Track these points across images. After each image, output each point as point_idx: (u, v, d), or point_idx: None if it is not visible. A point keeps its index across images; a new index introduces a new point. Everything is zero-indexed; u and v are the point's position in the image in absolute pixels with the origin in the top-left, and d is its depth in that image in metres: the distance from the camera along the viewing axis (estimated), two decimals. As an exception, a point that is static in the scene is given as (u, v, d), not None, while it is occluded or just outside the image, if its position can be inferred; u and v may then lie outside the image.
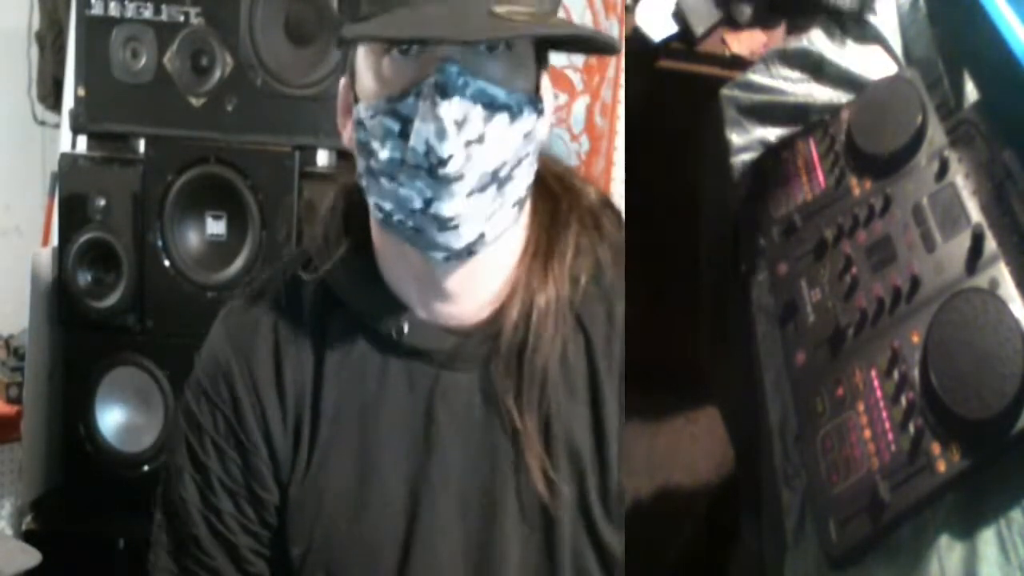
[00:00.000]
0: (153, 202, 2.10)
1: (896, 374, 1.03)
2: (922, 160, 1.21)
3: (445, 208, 0.89)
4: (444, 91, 0.86)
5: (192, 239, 2.13)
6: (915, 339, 1.03)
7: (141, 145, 2.15)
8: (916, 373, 1.00)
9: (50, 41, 2.73)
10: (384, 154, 0.90)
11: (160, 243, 2.11)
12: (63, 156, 2.21)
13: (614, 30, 2.23)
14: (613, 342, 1.00)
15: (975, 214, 1.10)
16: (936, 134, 1.22)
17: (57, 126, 2.42)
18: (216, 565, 1.02)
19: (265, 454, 1.00)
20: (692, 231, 1.63)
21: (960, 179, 1.15)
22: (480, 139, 0.88)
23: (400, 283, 0.98)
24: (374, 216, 0.96)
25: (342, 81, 0.97)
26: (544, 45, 0.95)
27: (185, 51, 2.10)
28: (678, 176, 1.69)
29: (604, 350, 1.00)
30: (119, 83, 2.13)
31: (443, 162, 0.87)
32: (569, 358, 0.99)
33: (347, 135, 0.97)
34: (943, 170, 1.17)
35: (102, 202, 2.15)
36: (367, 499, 0.99)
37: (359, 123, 0.93)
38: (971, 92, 1.29)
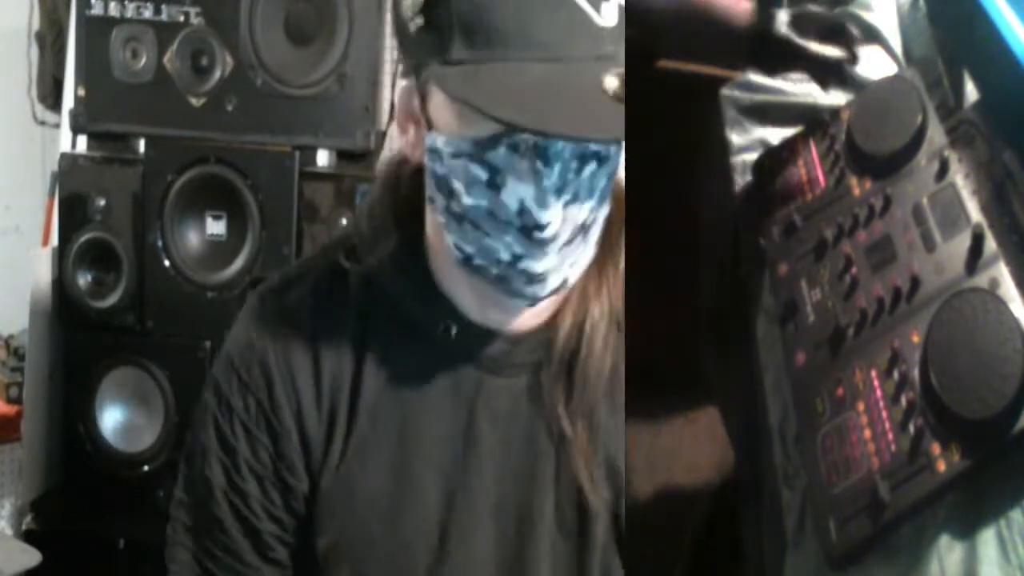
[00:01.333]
0: (153, 202, 2.11)
1: (896, 374, 1.03)
2: (922, 160, 1.21)
3: (536, 266, 0.87)
4: (545, 157, 0.82)
5: (192, 239, 2.13)
6: (915, 339, 1.03)
7: (141, 145, 2.15)
8: (916, 373, 1.00)
9: (50, 41, 2.74)
10: (469, 200, 0.86)
11: (160, 243, 2.11)
12: (63, 156, 2.21)
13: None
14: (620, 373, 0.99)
15: (975, 214, 1.10)
16: (936, 134, 1.22)
17: (57, 126, 2.42)
18: (237, 547, 1.00)
19: (296, 441, 0.98)
20: (692, 231, 1.63)
21: (960, 179, 1.15)
22: (575, 197, 0.85)
23: (455, 288, 0.96)
24: (452, 255, 0.91)
25: (403, 83, 0.92)
26: None
27: (185, 51, 2.10)
28: (678, 176, 1.69)
29: None
30: (119, 83, 2.14)
31: (540, 227, 0.84)
32: (616, 374, 0.98)
33: (408, 144, 0.92)
34: (943, 170, 1.17)
35: (102, 202, 2.16)
36: (401, 500, 0.97)
37: (434, 152, 0.87)
38: (971, 92, 1.29)
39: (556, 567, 0.98)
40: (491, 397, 0.97)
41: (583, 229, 0.88)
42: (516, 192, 0.84)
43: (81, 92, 2.17)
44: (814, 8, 1.34)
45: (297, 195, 2.05)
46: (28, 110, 2.87)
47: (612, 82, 0.79)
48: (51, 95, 2.77)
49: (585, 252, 0.90)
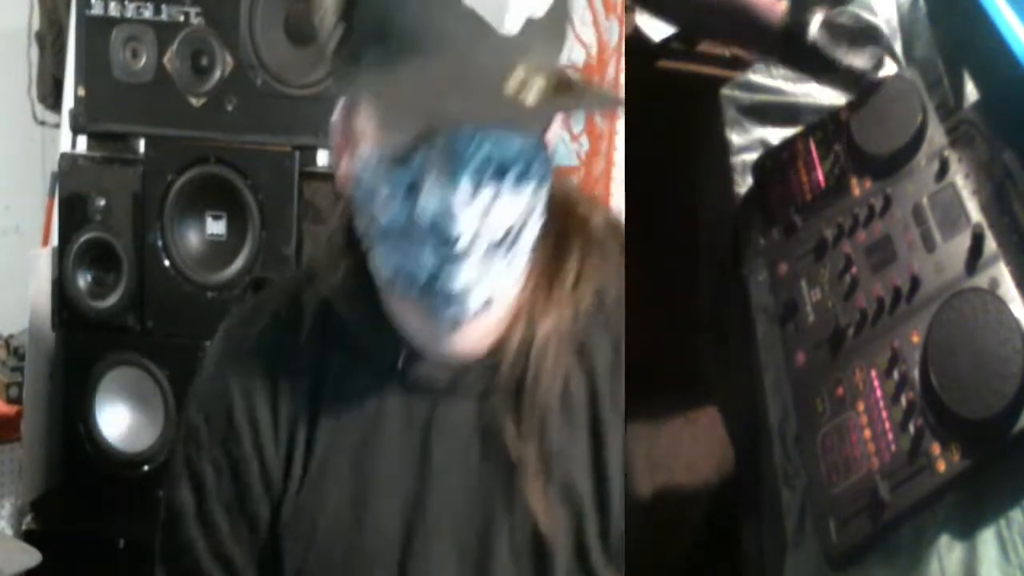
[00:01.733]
0: (153, 202, 2.10)
1: (896, 374, 1.03)
2: (922, 160, 1.21)
3: (453, 283, 0.87)
4: (456, 159, 0.84)
5: (192, 239, 2.13)
6: (915, 339, 1.03)
7: (141, 145, 2.15)
8: (916, 373, 1.00)
9: (50, 41, 2.74)
10: (388, 215, 0.88)
11: (160, 243, 2.11)
12: (63, 156, 2.21)
13: (614, 30, 2.24)
14: (617, 371, 0.98)
15: (975, 214, 1.10)
16: (936, 134, 1.22)
17: (57, 126, 2.42)
18: (210, 571, 1.02)
19: (257, 470, 1.00)
20: (692, 231, 1.63)
21: (960, 179, 1.15)
22: (489, 210, 0.86)
23: (401, 314, 0.96)
24: (379, 279, 0.93)
25: (337, 117, 0.94)
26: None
27: (185, 51, 2.10)
28: (678, 176, 1.69)
29: (607, 381, 0.98)
30: (119, 83, 2.14)
31: (452, 240, 0.85)
32: (571, 391, 0.97)
33: (341, 175, 0.94)
34: (943, 170, 1.17)
35: (102, 202, 2.16)
36: (361, 528, 0.98)
37: (357, 180, 0.90)
38: (971, 92, 1.29)
39: None
40: (444, 423, 0.97)
41: (504, 245, 0.88)
42: (429, 200, 0.85)
43: (81, 92, 2.17)
44: (848, 13, 1.34)
45: (297, 195, 2.05)
46: (28, 110, 2.87)
47: (513, 83, 0.81)
48: (51, 95, 2.77)
49: (509, 270, 0.90)
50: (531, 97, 0.81)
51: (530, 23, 0.84)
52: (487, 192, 0.86)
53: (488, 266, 0.88)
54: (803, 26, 1.26)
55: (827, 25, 1.27)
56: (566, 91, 0.86)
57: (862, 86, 1.31)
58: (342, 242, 0.99)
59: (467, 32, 0.83)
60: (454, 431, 0.97)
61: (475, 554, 0.97)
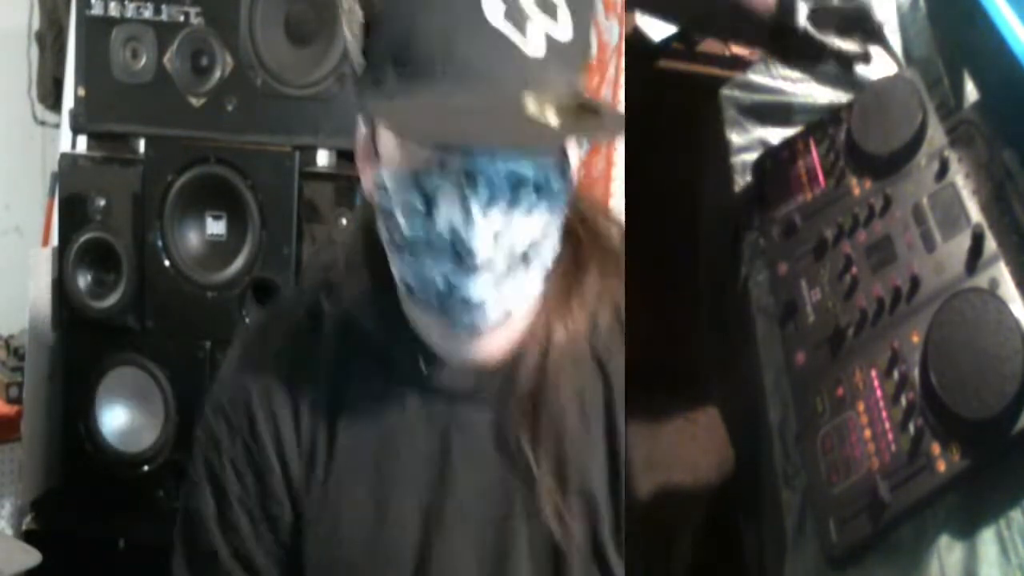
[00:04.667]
0: (153, 202, 2.10)
1: (896, 374, 1.03)
2: (922, 160, 1.21)
3: (472, 294, 0.87)
4: (473, 180, 0.84)
5: (192, 239, 2.13)
6: (915, 339, 1.03)
7: (141, 145, 2.15)
8: (916, 373, 1.00)
9: (50, 41, 2.74)
10: (408, 232, 0.88)
11: (160, 243, 2.11)
12: (63, 156, 2.21)
13: (614, 30, 2.23)
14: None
15: (975, 214, 1.10)
16: (936, 134, 1.22)
17: (57, 126, 2.42)
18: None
19: (280, 476, 1.01)
20: (692, 231, 1.63)
21: (960, 179, 1.15)
22: (508, 224, 0.86)
23: (421, 324, 0.98)
24: (400, 288, 0.94)
25: (360, 128, 0.95)
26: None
27: (185, 51, 2.10)
28: (678, 176, 1.69)
29: (621, 391, 0.99)
30: (119, 83, 2.13)
31: (471, 253, 0.85)
32: (586, 400, 0.99)
33: (367, 186, 0.95)
34: (943, 170, 1.17)
35: (102, 202, 2.15)
36: (380, 532, 0.99)
37: (382, 189, 0.90)
38: (971, 92, 1.29)
39: None
40: (463, 430, 0.98)
41: (523, 260, 0.89)
42: (447, 217, 0.85)
43: (81, 92, 2.17)
44: (833, 2, 1.34)
45: (297, 195, 2.05)
46: (28, 110, 2.87)
47: (532, 104, 0.81)
48: (51, 95, 2.77)
49: (528, 284, 0.91)
50: (553, 119, 0.81)
51: (553, 46, 0.84)
52: (505, 209, 0.86)
53: (507, 280, 0.88)
54: (792, 13, 1.26)
55: (816, 11, 1.28)
56: (587, 114, 0.86)
57: (856, 79, 1.31)
58: (362, 250, 1.00)
59: (491, 54, 0.83)
60: (473, 436, 0.98)
61: (493, 555, 0.99)
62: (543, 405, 0.97)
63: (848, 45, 1.29)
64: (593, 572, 0.99)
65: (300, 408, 1.01)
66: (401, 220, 0.88)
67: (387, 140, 0.90)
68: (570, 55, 0.86)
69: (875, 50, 1.35)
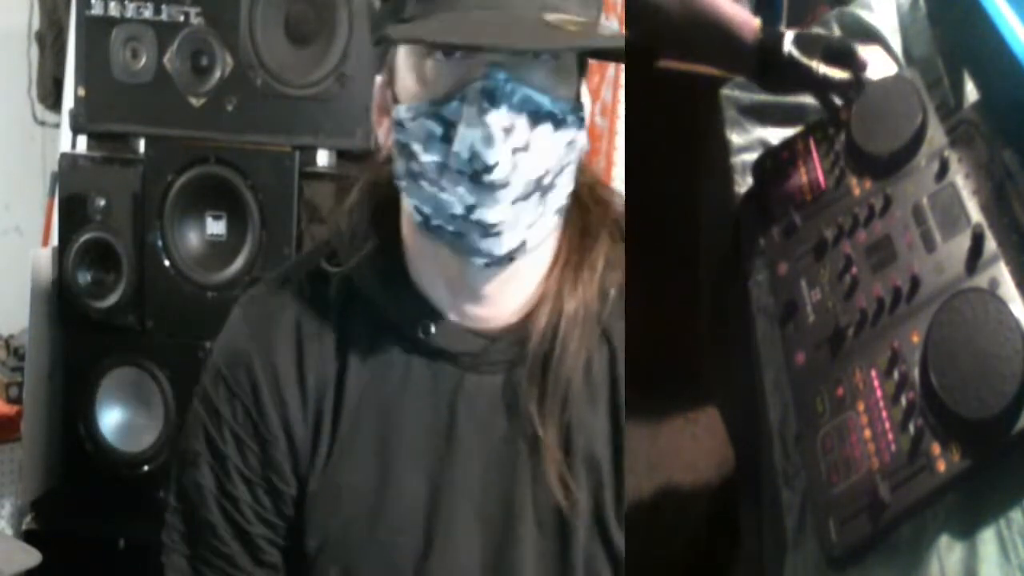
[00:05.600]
0: (153, 202, 2.10)
1: (896, 374, 1.03)
2: (922, 160, 1.21)
3: (489, 215, 0.88)
4: (491, 98, 0.85)
5: (192, 239, 2.13)
6: (915, 339, 1.03)
7: (141, 145, 2.15)
8: (916, 373, 1.00)
9: (50, 41, 2.74)
10: (426, 157, 0.89)
11: (160, 243, 2.11)
12: (63, 156, 2.21)
13: (614, 30, 2.23)
14: None
15: (975, 214, 1.10)
16: (936, 134, 1.22)
17: (57, 126, 2.42)
18: (230, 552, 1.02)
19: (284, 445, 1.00)
20: (692, 231, 1.63)
21: (960, 179, 1.15)
22: (526, 147, 0.87)
23: (430, 284, 0.98)
24: (412, 219, 0.94)
25: (378, 79, 0.96)
26: (586, 53, 0.95)
27: (185, 51, 2.10)
28: (678, 176, 1.69)
29: (623, 364, 1.00)
30: (119, 83, 2.14)
31: (489, 169, 0.86)
32: (593, 370, 0.99)
33: (383, 133, 0.96)
34: (943, 170, 1.17)
35: (102, 202, 2.15)
36: (386, 497, 0.99)
37: (399, 124, 0.91)
38: (971, 92, 1.29)
39: (540, 561, 0.99)
40: (470, 394, 0.98)
41: (539, 187, 0.90)
42: (466, 139, 0.87)
43: (81, 92, 2.17)
44: (819, 30, 1.34)
45: (297, 195, 2.05)
46: (28, 110, 2.87)
47: (551, 16, 0.85)
48: (51, 95, 2.77)
49: (544, 217, 0.91)
50: (571, 27, 0.84)
51: None
52: (522, 130, 0.87)
53: (523, 208, 0.89)
54: (777, 41, 1.26)
55: (800, 36, 1.27)
56: (605, 36, 0.91)
57: (846, 99, 1.31)
58: (368, 218, 1.00)
59: None
60: (480, 402, 0.98)
61: (499, 521, 0.99)
62: (551, 372, 0.97)
63: (834, 72, 1.28)
64: (595, 540, 0.99)
65: (305, 373, 1.00)
66: (418, 148, 0.89)
67: (405, 75, 0.91)
68: None
69: (872, 50, 1.34)
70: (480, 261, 0.91)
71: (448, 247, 0.92)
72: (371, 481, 0.99)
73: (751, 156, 1.44)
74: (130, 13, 2.12)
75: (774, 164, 1.39)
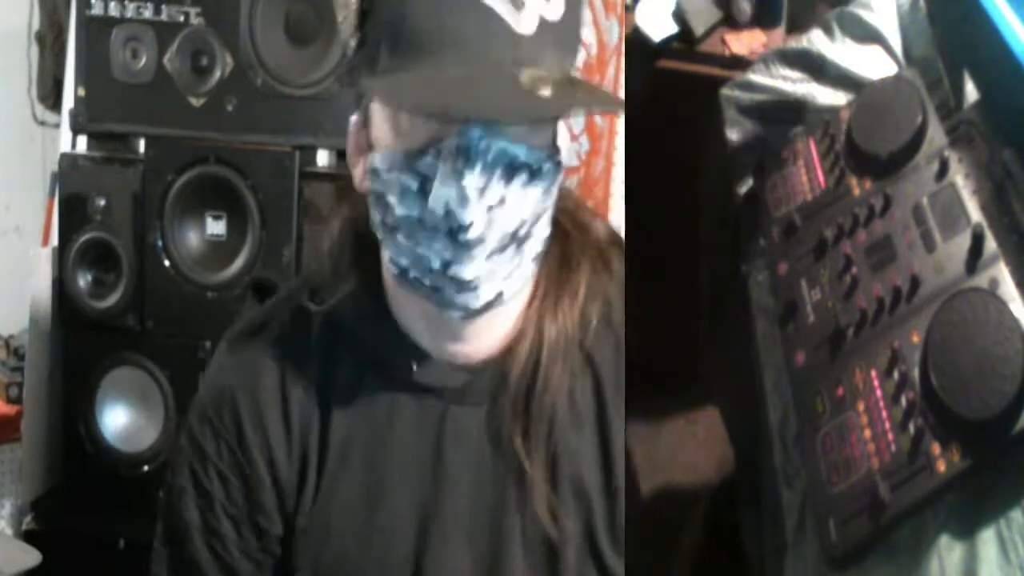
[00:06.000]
0: (153, 202, 2.10)
1: (896, 374, 1.03)
2: (922, 160, 1.21)
3: (464, 271, 0.88)
4: (466, 156, 0.84)
5: (192, 239, 2.13)
6: (915, 339, 1.03)
7: (141, 145, 2.15)
8: (916, 373, 1.00)
9: (50, 41, 2.74)
10: (401, 211, 0.89)
11: (160, 243, 2.11)
12: (63, 156, 2.21)
13: (614, 30, 2.23)
14: (621, 380, 1.00)
15: (975, 214, 1.10)
16: (936, 134, 1.22)
17: (57, 126, 2.42)
18: None
19: (269, 485, 1.00)
20: (692, 231, 1.63)
21: (960, 179, 1.15)
22: (501, 202, 0.87)
23: (411, 324, 0.97)
24: (388, 270, 0.94)
25: (353, 119, 0.95)
26: None
27: (185, 51, 2.10)
28: (678, 176, 1.69)
29: (613, 389, 0.99)
30: (119, 83, 2.13)
31: (464, 228, 0.86)
32: (577, 398, 0.99)
33: (358, 177, 0.95)
34: (943, 170, 1.17)
35: (102, 202, 2.15)
36: (374, 533, 0.99)
37: (374, 172, 0.91)
38: (971, 92, 1.29)
39: None
40: (456, 426, 0.98)
41: (515, 239, 0.89)
42: (441, 196, 0.86)
43: (81, 92, 2.17)
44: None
45: (297, 195, 2.05)
46: (28, 110, 2.87)
47: (525, 77, 0.82)
48: (51, 95, 2.77)
49: (520, 268, 0.91)
50: (546, 91, 0.82)
51: (544, 25, 0.85)
52: (497, 187, 0.86)
53: (500, 259, 0.89)
54: None
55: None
56: (581, 90, 0.89)
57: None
58: (349, 255, 1.00)
59: (483, 29, 0.84)
60: (466, 435, 0.98)
61: (488, 551, 0.98)
62: (535, 402, 0.97)
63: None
64: (589, 566, 0.99)
65: (290, 411, 1.00)
66: (393, 201, 0.89)
67: (380, 124, 0.90)
68: (561, 34, 0.87)
69: (872, 50, 1.34)
70: (457, 314, 0.91)
71: (426, 299, 0.92)
72: (359, 517, 0.99)
73: (751, 156, 1.44)
74: (130, 13, 2.12)
75: (774, 164, 1.39)
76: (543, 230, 0.92)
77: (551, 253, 0.97)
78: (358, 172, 0.95)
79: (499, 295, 0.90)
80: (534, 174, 0.88)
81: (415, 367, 0.97)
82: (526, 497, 0.97)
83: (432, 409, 0.98)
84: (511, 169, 0.87)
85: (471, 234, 0.86)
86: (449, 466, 0.98)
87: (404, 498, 0.99)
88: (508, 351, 0.97)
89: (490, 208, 0.86)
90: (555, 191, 0.92)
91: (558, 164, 0.91)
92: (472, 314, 0.91)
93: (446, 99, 0.83)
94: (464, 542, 0.98)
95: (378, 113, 0.91)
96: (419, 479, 0.99)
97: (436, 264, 0.88)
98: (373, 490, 0.99)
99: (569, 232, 1.00)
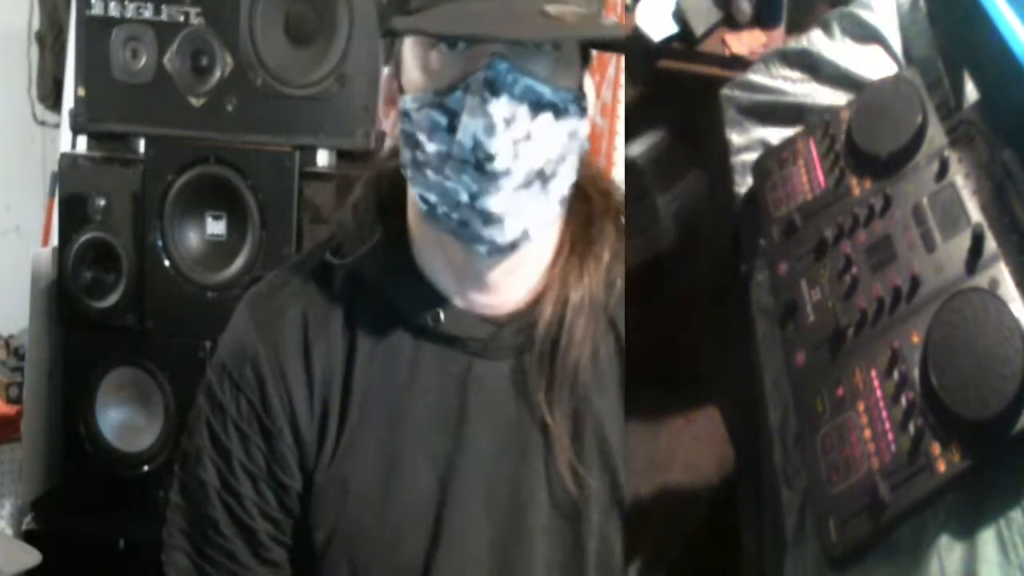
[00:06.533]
0: (153, 202, 2.10)
1: (896, 374, 1.03)
2: (922, 160, 1.21)
3: (491, 203, 0.90)
4: (493, 88, 0.87)
5: (192, 239, 2.13)
6: (915, 339, 1.03)
7: (141, 145, 2.15)
8: (916, 373, 1.00)
9: (50, 41, 2.74)
10: (431, 147, 0.91)
11: (160, 243, 2.11)
12: (63, 156, 2.21)
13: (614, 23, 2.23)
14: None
15: (975, 214, 1.10)
16: (936, 134, 1.22)
17: (57, 126, 2.42)
18: (232, 548, 1.02)
19: (290, 439, 1.00)
20: (692, 231, 1.63)
21: (960, 179, 1.15)
22: (527, 136, 0.89)
23: (437, 273, 0.99)
24: (418, 207, 0.95)
25: (385, 70, 0.98)
26: (588, 44, 0.96)
27: (185, 51, 2.10)
28: (678, 176, 1.69)
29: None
30: (119, 83, 2.13)
31: (491, 158, 0.88)
32: (601, 358, 1.00)
33: (389, 124, 0.98)
34: (943, 170, 1.17)
35: (102, 202, 2.15)
36: (394, 487, 0.99)
37: (405, 114, 0.93)
38: (971, 92, 1.29)
39: (552, 549, 0.99)
40: (479, 379, 0.99)
41: (540, 176, 0.91)
42: (469, 128, 0.88)
43: (81, 92, 2.17)
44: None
45: (297, 195, 2.05)
46: (28, 110, 2.87)
47: (552, 7, 0.86)
48: (51, 95, 2.77)
49: (546, 206, 0.93)
50: (572, 18, 0.86)
51: None
52: (524, 120, 0.89)
53: (524, 198, 0.91)
54: None
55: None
56: (606, 26, 0.93)
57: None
58: (374, 211, 1.01)
59: None
60: (489, 388, 0.99)
61: (509, 510, 0.99)
62: (559, 359, 0.97)
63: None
64: (613, 528, 0.99)
65: (312, 365, 1.00)
66: (423, 138, 0.91)
67: (411, 67, 0.93)
68: None
69: (872, 50, 1.35)
70: (483, 249, 0.92)
71: (452, 235, 0.93)
72: (379, 472, 0.99)
73: (751, 156, 1.44)
74: (130, 13, 2.12)
75: (774, 164, 1.39)
76: (569, 172, 0.94)
77: (576, 214, 0.99)
78: (389, 122, 0.97)
79: (525, 232, 0.92)
80: (559, 113, 0.91)
81: (441, 317, 0.98)
82: (549, 455, 0.98)
83: (456, 362, 0.99)
84: (537, 106, 0.89)
85: (498, 165, 0.88)
86: (471, 422, 0.98)
87: (424, 454, 0.99)
88: (534, 305, 0.98)
89: (516, 142, 0.88)
90: (581, 136, 0.94)
91: (584, 109, 0.94)
92: (498, 250, 0.93)
93: (475, 25, 0.86)
94: (484, 499, 0.98)
95: (409, 56, 0.93)
96: (440, 433, 0.99)
97: (464, 197, 0.90)
98: (393, 446, 0.99)
99: (591, 194, 1.02)
